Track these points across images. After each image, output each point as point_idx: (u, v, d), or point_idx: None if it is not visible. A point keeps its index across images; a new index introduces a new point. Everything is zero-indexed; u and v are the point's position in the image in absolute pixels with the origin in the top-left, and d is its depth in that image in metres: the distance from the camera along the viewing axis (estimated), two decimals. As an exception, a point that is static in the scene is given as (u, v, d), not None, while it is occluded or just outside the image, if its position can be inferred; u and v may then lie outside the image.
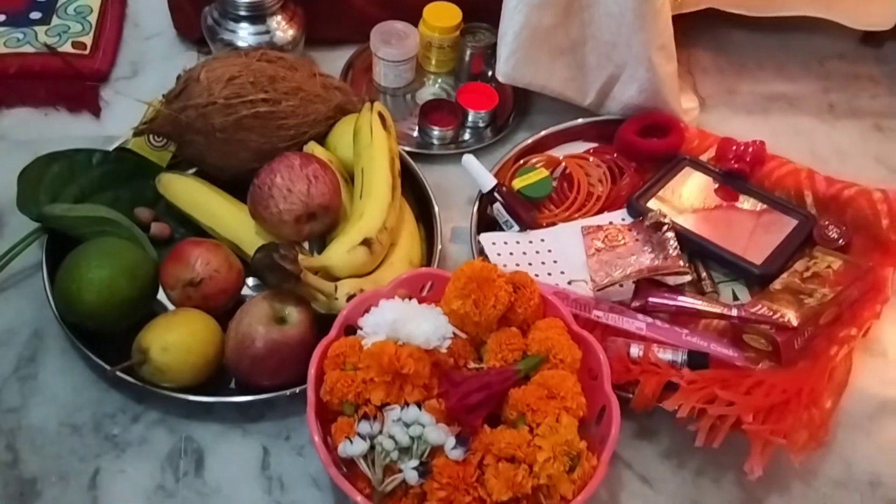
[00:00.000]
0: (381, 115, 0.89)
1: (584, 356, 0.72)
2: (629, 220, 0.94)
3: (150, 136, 0.89)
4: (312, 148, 0.89)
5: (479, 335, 0.73)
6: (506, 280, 0.72)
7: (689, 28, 1.07)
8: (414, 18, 1.07)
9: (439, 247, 0.88)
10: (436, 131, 1.02)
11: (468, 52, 1.07)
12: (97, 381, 0.78)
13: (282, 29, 1.00)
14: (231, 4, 0.97)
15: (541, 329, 0.72)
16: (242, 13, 0.97)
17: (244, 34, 0.98)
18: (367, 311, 0.73)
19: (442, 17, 1.05)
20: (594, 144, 1.02)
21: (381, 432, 0.65)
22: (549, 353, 0.70)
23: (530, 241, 0.91)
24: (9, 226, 0.89)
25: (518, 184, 0.93)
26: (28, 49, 1.05)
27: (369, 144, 0.87)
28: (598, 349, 0.72)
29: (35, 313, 0.82)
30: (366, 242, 0.81)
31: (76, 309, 0.76)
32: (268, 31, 0.99)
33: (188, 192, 0.88)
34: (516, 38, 0.96)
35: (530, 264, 0.88)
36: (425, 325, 0.69)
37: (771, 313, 0.80)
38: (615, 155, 0.99)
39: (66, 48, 1.06)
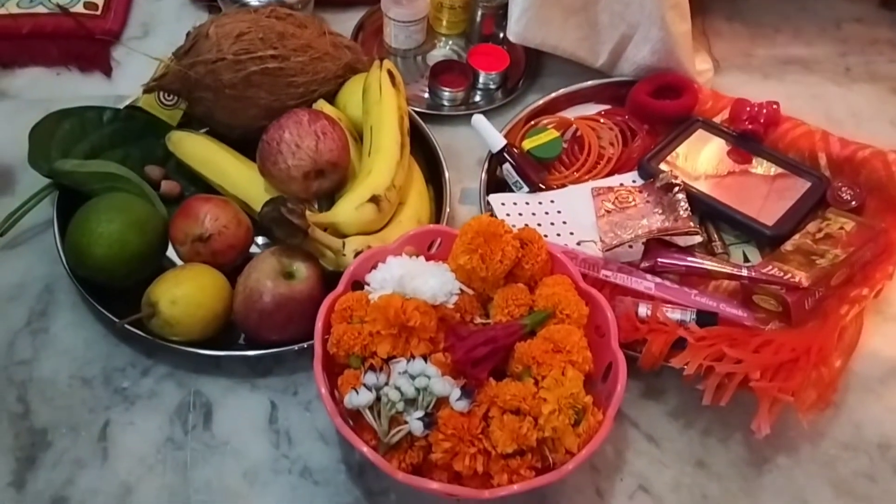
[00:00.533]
0: (390, 73, 0.88)
1: (591, 313, 0.71)
2: (640, 181, 0.93)
3: (161, 94, 0.89)
4: (322, 105, 0.89)
5: (486, 291, 0.73)
6: (513, 235, 0.72)
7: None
8: (426, -21, 1.06)
9: (448, 207, 0.88)
10: (446, 92, 1.01)
11: (479, 13, 1.06)
12: (107, 335, 0.79)
13: (293, -14, 0.99)
14: (241, -38, 0.96)
15: (548, 285, 0.72)
16: (252, -29, 0.97)
17: (254, -7, 0.98)
18: (374, 266, 0.73)
19: (453, -23, 1.04)
20: (606, 106, 1.01)
21: (387, 384, 0.65)
22: (556, 308, 0.70)
23: (540, 203, 0.91)
24: (20, 182, 0.90)
25: (528, 144, 0.93)
26: (40, 9, 1.05)
27: (378, 101, 0.86)
28: (606, 306, 0.72)
29: (46, 268, 0.83)
30: (374, 199, 0.80)
31: (86, 263, 0.76)
32: (278, -9, 0.98)
33: (198, 150, 0.88)
34: (528, -2, 0.95)
35: (539, 225, 0.88)
36: (432, 281, 0.69)
37: (782, 274, 0.79)
38: (627, 117, 0.98)
39: (79, 8, 1.06)
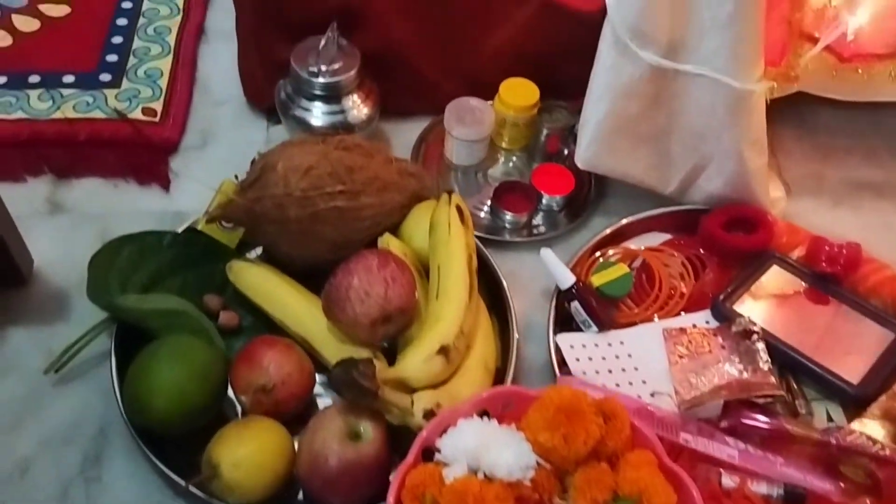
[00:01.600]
0: (459, 209, 0.85)
1: (678, 496, 0.67)
2: (714, 322, 0.89)
3: (221, 221, 0.87)
4: (388, 241, 0.86)
5: (565, 466, 0.69)
6: (596, 410, 0.68)
7: (772, 106, 1.02)
8: (489, 93, 1.03)
9: (515, 350, 0.84)
10: (508, 216, 0.98)
11: (544, 132, 1.03)
12: (163, 488, 0.76)
13: (357, 108, 0.97)
14: (306, 83, 0.94)
15: (632, 465, 0.68)
16: (317, 93, 0.94)
17: (318, 112, 0.96)
18: (444, 430, 0.70)
19: (518, 94, 1.02)
20: (669, 236, 0.97)
21: (463, 578, 0.61)
22: (643, 495, 0.66)
23: (609, 344, 0.87)
24: (76, 309, 0.87)
25: (597, 280, 0.89)
26: (97, 114, 1.04)
27: (446, 241, 0.83)
28: (692, 487, 0.68)
29: (101, 408, 0.80)
30: (443, 350, 0.77)
31: (145, 415, 0.73)
32: (342, 111, 0.96)
33: (259, 283, 0.86)
34: (599, 126, 0.92)
35: (610, 371, 0.84)
36: (507, 454, 0.66)
37: (871, 444, 0.75)
38: (700, 250, 0.95)
39: (137, 114, 1.04)
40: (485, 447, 0.67)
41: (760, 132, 0.90)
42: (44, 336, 0.85)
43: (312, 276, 0.84)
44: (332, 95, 0.95)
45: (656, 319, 0.90)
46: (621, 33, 0.84)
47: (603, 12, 0.90)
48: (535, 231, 0.99)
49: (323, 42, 0.92)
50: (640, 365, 0.86)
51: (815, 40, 0.87)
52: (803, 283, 0.92)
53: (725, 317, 0.88)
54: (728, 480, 0.74)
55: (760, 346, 0.84)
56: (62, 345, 0.82)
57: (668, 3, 0.81)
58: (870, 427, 0.78)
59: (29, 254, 0.89)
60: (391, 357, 0.81)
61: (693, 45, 0.83)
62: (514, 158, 1.07)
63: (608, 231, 0.96)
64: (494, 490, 0.63)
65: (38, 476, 0.76)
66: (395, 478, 0.67)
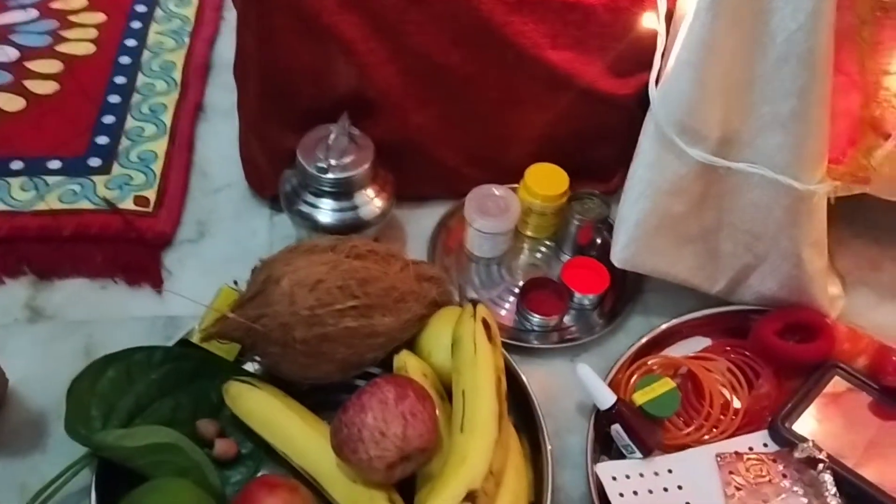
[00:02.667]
0: (485, 322, 0.76)
1: None
2: (773, 446, 0.79)
3: (218, 337, 0.78)
4: (405, 360, 0.76)
5: None
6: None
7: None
8: (512, 178, 0.95)
9: (550, 485, 0.74)
10: (537, 318, 0.89)
11: (575, 223, 0.94)
12: None
13: (371, 202, 0.87)
14: (314, 178, 0.85)
15: None
16: (327, 189, 0.85)
17: (327, 209, 0.86)
18: None
19: (546, 182, 0.93)
20: (709, 340, 0.88)
21: None
22: None
23: (656, 473, 0.77)
24: (53, 436, 0.78)
25: (640, 398, 0.80)
26: (85, 205, 0.95)
27: (472, 361, 0.74)
28: None
29: (81, 558, 0.70)
30: (470, 497, 0.67)
31: (129, 580, 0.63)
32: (354, 207, 0.86)
33: (260, 410, 0.76)
34: (639, 226, 0.83)
35: (658, 508, 0.74)
36: None
37: None
38: (750, 356, 0.85)
39: (128, 204, 0.95)
40: None
41: (821, 234, 0.81)
42: (17, 470, 0.75)
43: (320, 393, 0.75)
44: (343, 192, 0.85)
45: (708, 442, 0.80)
46: (667, 129, 0.75)
47: (639, 96, 0.81)
48: (566, 335, 0.89)
49: (333, 135, 0.83)
50: (692, 498, 0.75)
51: (888, 135, 0.78)
52: (870, 398, 0.82)
53: (786, 440, 0.78)
54: None
55: (828, 477, 0.74)
56: (39, 481, 0.72)
57: (722, 98, 0.72)
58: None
59: (3, 374, 0.79)
60: (408, 489, 0.71)
61: (749, 142, 0.75)
62: (542, 249, 0.98)
63: (649, 337, 0.86)
64: None
65: None
66: None
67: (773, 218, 0.79)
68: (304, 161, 0.84)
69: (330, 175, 0.84)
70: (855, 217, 1.02)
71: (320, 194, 0.86)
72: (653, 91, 0.76)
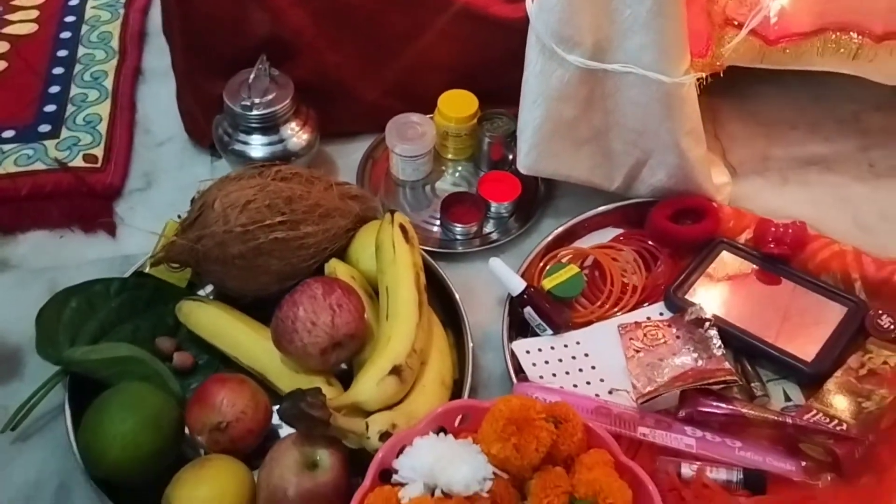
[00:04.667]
0: (402, 227, 0.86)
1: (634, 492, 0.68)
2: (667, 314, 0.90)
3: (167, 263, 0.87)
4: (335, 266, 0.86)
5: (522, 474, 0.69)
6: (546, 417, 0.68)
7: (713, 88, 1.03)
8: (428, 107, 1.04)
9: (471, 362, 0.84)
10: (458, 228, 0.98)
11: (486, 141, 1.03)
12: (127, 537, 0.76)
13: (296, 135, 0.97)
14: (241, 117, 0.94)
15: (587, 466, 0.68)
16: (254, 125, 0.94)
17: (257, 144, 0.95)
18: (401, 450, 0.70)
19: (457, 106, 1.02)
20: (622, 230, 0.98)
21: None
22: (598, 496, 0.66)
23: (565, 346, 0.87)
24: (29, 364, 0.87)
25: (548, 284, 0.90)
26: (39, 166, 1.04)
27: (392, 261, 0.83)
28: (649, 483, 0.68)
29: (61, 462, 0.80)
30: (395, 371, 0.77)
31: (101, 466, 0.73)
32: (281, 140, 0.96)
33: (209, 322, 0.85)
34: (537, 132, 0.92)
35: (567, 373, 0.85)
36: (464, 469, 0.66)
37: (827, 420, 0.76)
38: (648, 242, 0.95)
39: (78, 162, 1.04)
40: (441, 464, 0.67)
41: (695, 122, 0.90)
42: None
43: (263, 308, 0.84)
44: (269, 126, 0.95)
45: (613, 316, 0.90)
46: (546, 39, 0.84)
47: (528, 18, 0.90)
48: (487, 241, 0.99)
49: (253, 75, 0.92)
50: (597, 363, 0.86)
51: (739, 27, 0.88)
52: (753, 266, 0.92)
53: (678, 307, 0.89)
54: (687, 470, 0.74)
55: (713, 332, 0.84)
56: (17, 402, 0.81)
57: (589, 6, 0.81)
58: (827, 403, 0.78)
59: (-23, 316, 0.88)
60: (350, 380, 0.81)
61: (618, 45, 0.84)
62: (461, 169, 1.07)
63: (557, 233, 0.96)
64: (449, 508, 0.63)
65: (2, 538, 0.76)
66: (353, 503, 0.67)
67: (651, 113, 0.88)
68: (231, 102, 0.93)
69: (255, 112, 0.93)
70: (747, 117, 1.13)
71: (249, 131, 0.95)
72: (529, 5, 0.86)
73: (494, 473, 0.68)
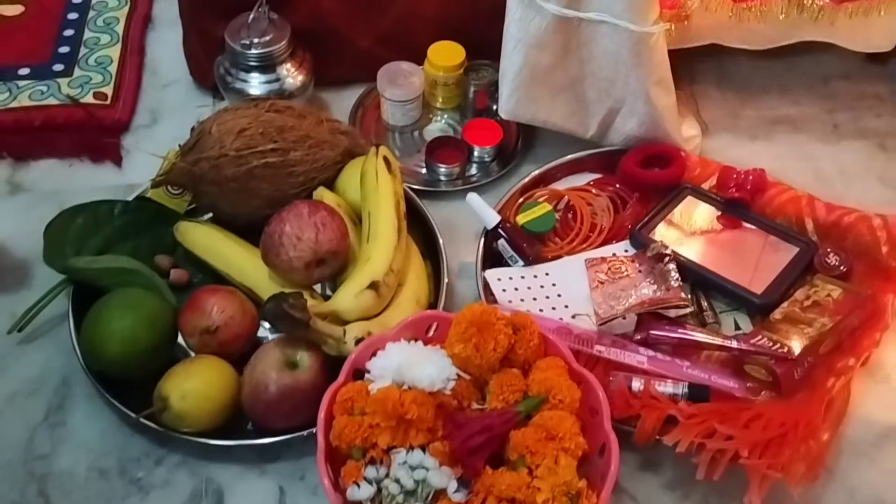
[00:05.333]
0: (385, 159, 0.92)
1: (584, 394, 0.74)
2: (632, 251, 0.96)
3: (168, 187, 0.94)
4: (322, 194, 0.92)
5: (482, 376, 0.76)
6: (505, 323, 0.75)
7: (692, 56, 1.08)
8: (419, 58, 1.10)
9: (445, 283, 0.91)
10: (442, 168, 1.05)
11: (472, 90, 1.09)
12: (122, 427, 0.82)
13: (291, 76, 1.03)
14: (241, 55, 1.01)
15: (541, 369, 0.74)
16: (252, 63, 1.01)
17: (255, 83, 1.02)
18: (374, 354, 0.76)
19: (446, 56, 1.08)
20: (598, 175, 1.04)
21: (387, 476, 0.68)
22: (549, 393, 0.72)
23: (535, 276, 0.93)
24: (36, 276, 0.94)
25: (522, 219, 0.96)
26: (52, 101, 1.10)
27: (375, 189, 0.90)
28: (598, 387, 0.74)
29: (63, 361, 0.87)
30: (373, 286, 0.84)
31: (100, 359, 0.80)
32: (278, 79, 1.03)
33: (204, 240, 0.92)
34: (516, 78, 0.98)
35: (535, 299, 0.91)
36: (429, 368, 0.72)
37: (771, 344, 0.82)
38: (618, 186, 1.01)
39: (88, 99, 1.11)
40: (408, 364, 0.73)
41: (665, 72, 0.96)
42: (7, 302, 0.91)
43: (254, 233, 0.90)
44: (267, 65, 1.02)
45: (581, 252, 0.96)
46: (523, -14, 0.91)
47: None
48: (469, 181, 1.05)
49: (252, 16, 0.99)
50: (563, 292, 0.92)
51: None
52: (716, 210, 0.98)
53: (642, 244, 0.95)
54: (637, 384, 0.80)
55: (672, 266, 0.90)
56: (24, 308, 0.88)
57: (563, -46, 0.87)
58: (772, 329, 0.84)
59: (-9, 230, 0.96)
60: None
61: (591, -7, 0.90)
62: (447, 117, 1.13)
63: (534, 174, 1.02)
64: (413, 395, 0.69)
65: (6, 425, 0.83)
66: (327, 394, 0.73)
67: (622, 61, 0.94)
68: (231, 41, 1.00)
69: (253, 51, 1.00)
70: (720, 76, 1.19)
71: (248, 69, 1.02)
72: (507, -47, 0.92)
73: (458, 375, 0.74)
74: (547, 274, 0.94)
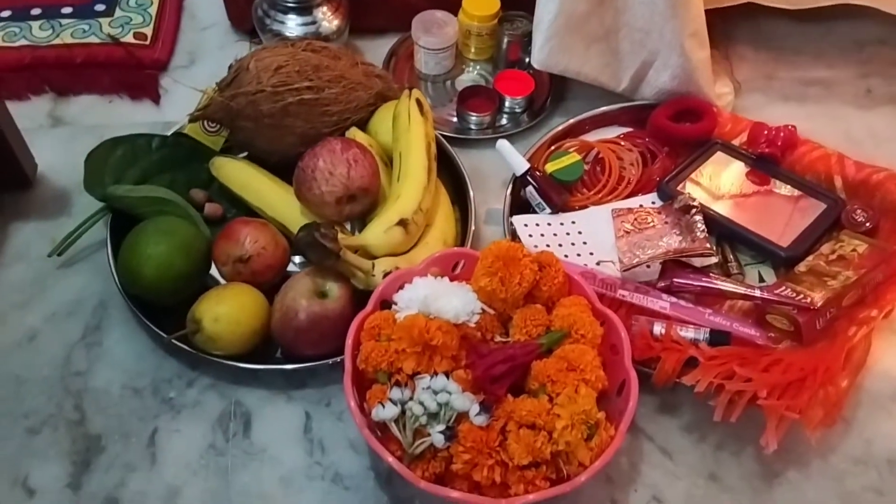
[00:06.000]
0: (418, 102, 0.93)
1: (606, 332, 0.75)
2: (659, 203, 0.96)
3: (205, 122, 0.96)
4: (354, 133, 0.94)
5: (506, 311, 0.77)
6: (531, 259, 0.76)
7: (729, 17, 1.08)
8: (454, 7, 1.10)
9: (473, 228, 0.92)
10: (473, 117, 1.06)
11: (505, 40, 1.10)
12: (156, 349, 0.85)
13: (327, 19, 1.05)
14: (279, -3, 1.02)
15: (564, 306, 0.76)
16: (290, 5, 1.03)
17: (292, 25, 1.04)
18: (401, 287, 0.78)
19: (480, 5, 1.09)
20: (628, 129, 1.04)
21: (411, 398, 0.70)
22: (571, 328, 0.74)
23: (561, 224, 0.95)
24: (76, 204, 0.97)
25: (550, 167, 0.97)
26: (93, 39, 1.13)
27: (407, 129, 0.91)
28: (620, 326, 0.76)
29: (101, 286, 0.89)
30: (402, 223, 0.85)
31: (136, 283, 0.82)
32: (314, 22, 1.04)
33: (239, 175, 0.94)
34: (551, 26, 0.99)
35: (560, 245, 0.92)
36: (455, 301, 0.74)
37: (794, 294, 0.83)
38: (648, 139, 1.02)
39: (128, 39, 1.13)
40: (434, 296, 0.75)
41: (700, 24, 0.96)
42: (48, 228, 0.94)
43: (288, 171, 0.92)
44: (304, 7, 1.03)
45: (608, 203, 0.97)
46: (562, -68, 0.91)
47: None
48: (499, 130, 1.06)
49: (291, -43, 1.00)
50: (588, 240, 0.93)
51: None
52: (745, 167, 0.99)
53: (669, 196, 0.95)
54: (658, 328, 0.82)
55: (698, 217, 0.91)
56: (64, 234, 0.91)
57: None
58: (796, 281, 0.85)
59: (33, 159, 0.98)
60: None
61: (629, -60, 0.90)
62: (479, 68, 1.14)
63: (564, 125, 1.03)
64: (438, 323, 0.71)
65: (45, 343, 0.86)
66: (355, 321, 0.75)
67: (658, 12, 0.94)
68: (270, -18, 1.01)
69: (291, -8, 1.01)
70: (756, 37, 1.18)
71: (286, 11, 1.04)
72: None
73: (482, 309, 0.76)
74: (573, 222, 0.95)
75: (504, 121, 1.08)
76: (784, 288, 0.84)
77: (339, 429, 0.81)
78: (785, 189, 0.96)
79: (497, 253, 0.75)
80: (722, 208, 0.94)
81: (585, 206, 0.97)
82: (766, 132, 0.98)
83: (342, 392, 0.81)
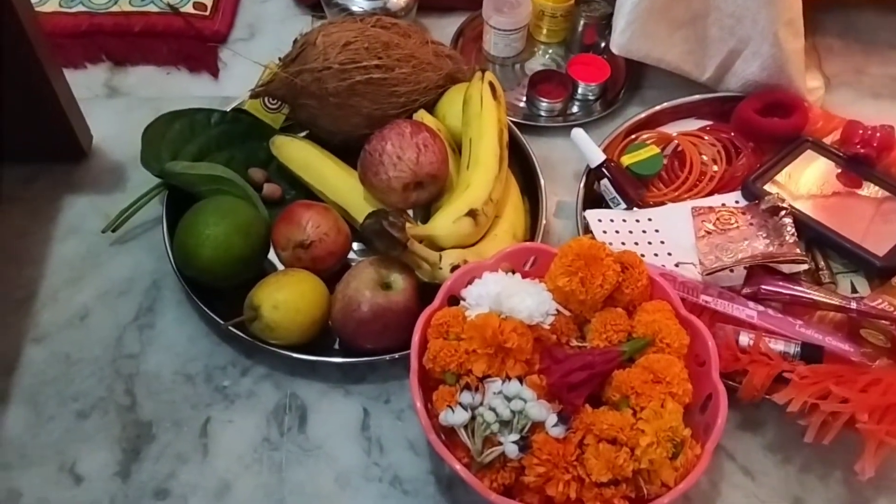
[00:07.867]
0: (491, 85, 0.88)
1: (691, 342, 0.70)
2: (743, 202, 0.90)
3: (266, 99, 0.92)
4: (422, 116, 0.89)
5: (583, 313, 0.72)
6: (614, 259, 0.71)
7: (817, 6, 1.01)
8: (528, -13, 1.05)
9: (543, 221, 0.87)
10: (544, 103, 1.00)
11: (581, 23, 1.04)
12: (210, 334, 0.82)
13: (398, -5, 1.00)
14: (348, -30, 0.97)
15: (648, 311, 0.71)
16: (358, -22, 0.98)
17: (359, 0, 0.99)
18: (470, 282, 0.74)
19: (557, -15, 1.03)
20: (708, 122, 0.98)
21: (482, 404, 0.65)
22: (656, 336, 0.69)
23: (637, 220, 0.89)
24: (131, 179, 0.93)
25: (627, 160, 0.91)
26: (152, 8, 1.09)
27: (478, 114, 0.86)
28: (707, 335, 0.71)
29: (154, 265, 0.86)
30: (471, 213, 0.81)
31: (193, 264, 0.79)
32: (382, -2, 0.99)
33: (300, 155, 0.90)
34: (634, 10, 0.93)
35: (636, 244, 0.86)
36: (529, 301, 0.69)
37: (892, 308, 0.76)
38: (732, 134, 0.95)
39: (188, 9, 1.09)
40: (507, 294, 0.70)
41: (796, 13, 0.90)
42: (102, 203, 0.91)
43: (350, 153, 0.88)
44: (372, -17, 0.98)
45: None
46: None
47: None
48: (570, 118, 1.01)
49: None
50: (666, 239, 0.87)
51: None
52: (836, 167, 0.92)
53: (755, 196, 0.89)
54: (745, 338, 0.76)
55: (788, 220, 0.84)
56: (119, 210, 0.88)
57: None
58: (894, 294, 0.79)
59: (89, 130, 0.95)
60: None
61: (727, -81, 0.84)
62: (551, 51, 1.09)
63: (641, 116, 0.97)
64: (513, 324, 0.66)
65: (97, 322, 0.83)
66: (422, 317, 0.71)
67: (752, -3, 0.88)
68: (339, -46, 0.96)
69: (360, -35, 0.96)
70: (845, 28, 1.11)
71: (353, -15, 0.98)
72: None
73: (557, 310, 0.71)
74: (650, 219, 0.89)
75: (575, 108, 1.02)
76: (881, 301, 0.77)
77: (397, 428, 0.77)
78: (878, 192, 0.89)
79: (578, 251, 0.70)
80: (811, 211, 0.87)
81: (662, 203, 0.91)
82: (860, 131, 0.91)
83: (402, 388, 0.78)
